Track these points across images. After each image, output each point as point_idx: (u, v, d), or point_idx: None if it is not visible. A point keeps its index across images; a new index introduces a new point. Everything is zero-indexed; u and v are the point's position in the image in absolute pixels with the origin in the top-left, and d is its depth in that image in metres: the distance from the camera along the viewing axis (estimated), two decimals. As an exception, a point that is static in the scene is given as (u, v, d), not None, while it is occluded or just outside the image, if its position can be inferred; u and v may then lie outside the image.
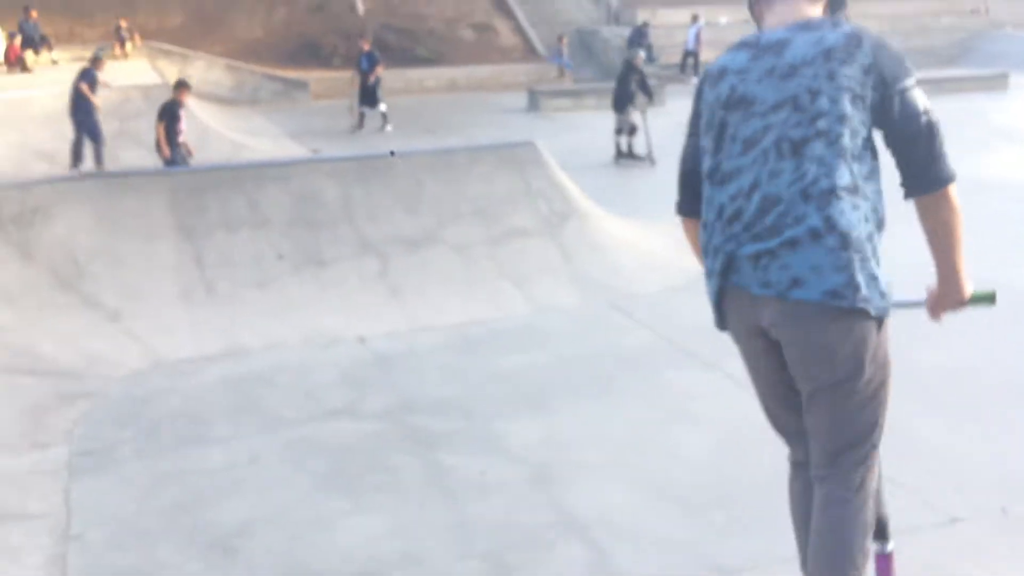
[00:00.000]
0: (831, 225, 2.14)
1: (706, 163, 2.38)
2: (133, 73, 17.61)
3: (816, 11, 2.36)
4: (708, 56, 24.14)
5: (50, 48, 19.25)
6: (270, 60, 23.53)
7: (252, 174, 7.82)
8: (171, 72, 20.28)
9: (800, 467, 2.58)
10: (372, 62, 17.13)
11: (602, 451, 4.72)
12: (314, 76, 21.96)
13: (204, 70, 21.89)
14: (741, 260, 2.27)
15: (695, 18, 24.21)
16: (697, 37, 23.77)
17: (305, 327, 6.62)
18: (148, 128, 13.90)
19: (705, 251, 2.41)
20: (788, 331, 2.26)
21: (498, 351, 6.24)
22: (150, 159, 12.92)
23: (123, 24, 21.04)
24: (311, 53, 23.91)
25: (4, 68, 17.87)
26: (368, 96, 17.04)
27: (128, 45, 20.75)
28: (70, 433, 5.10)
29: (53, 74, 17.67)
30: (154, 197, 7.29)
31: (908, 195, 2.26)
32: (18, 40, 18.07)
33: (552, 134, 13.94)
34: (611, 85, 22.33)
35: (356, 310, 6.85)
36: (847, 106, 2.17)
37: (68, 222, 6.92)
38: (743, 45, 2.39)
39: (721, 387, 5.46)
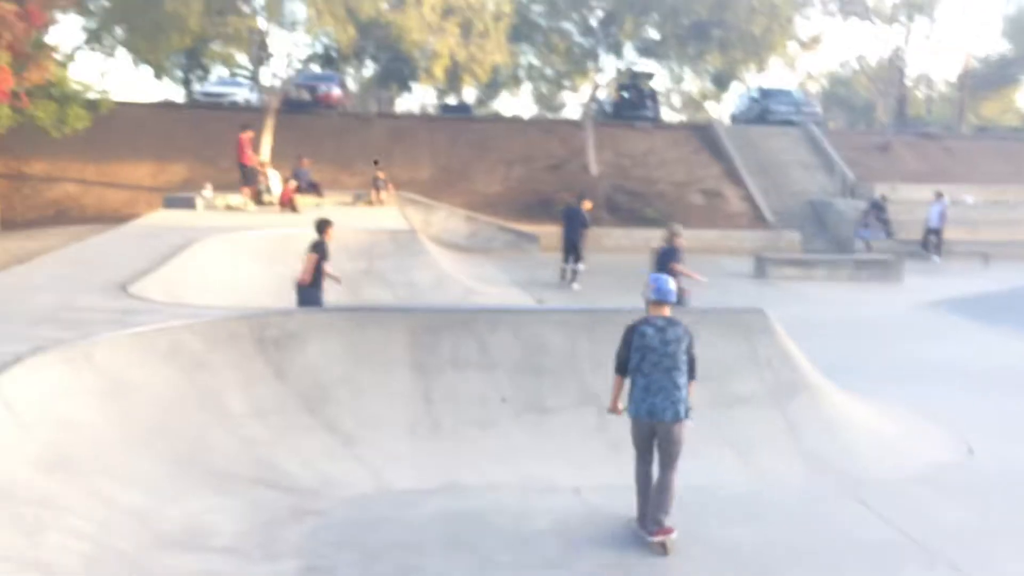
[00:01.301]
0: (684, 398, 5.69)
1: (634, 364, 5.75)
2: (384, 218, 19.27)
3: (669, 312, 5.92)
4: (952, 235, 23.04)
5: (320, 193, 21.45)
6: (505, 213, 24.95)
7: (485, 318, 8.19)
8: (416, 219, 21.94)
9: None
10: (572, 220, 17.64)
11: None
12: (544, 230, 22.94)
13: (444, 219, 23.62)
14: (656, 405, 5.66)
15: (939, 195, 23.27)
16: (941, 215, 22.78)
17: (522, 471, 6.72)
18: (393, 268, 15.03)
19: (639, 393, 5.74)
20: (666, 425, 5.68)
21: (715, 520, 6.03)
22: (391, 296, 13.86)
23: (380, 175, 23.17)
24: (544, 209, 25.11)
25: (277, 208, 20.05)
26: (570, 251, 17.43)
27: (383, 194, 22.75)
28: (300, 548, 5.39)
29: (316, 216, 19.59)
30: (394, 333, 7.79)
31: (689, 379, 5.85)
32: (292, 184, 20.30)
33: (780, 303, 13.62)
34: (844, 257, 22.03)
35: (573, 460, 6.89)
36: (685, 356, 5.75)
37: (319, 349, 7.52)
38: (647, 323, 5.77)
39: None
